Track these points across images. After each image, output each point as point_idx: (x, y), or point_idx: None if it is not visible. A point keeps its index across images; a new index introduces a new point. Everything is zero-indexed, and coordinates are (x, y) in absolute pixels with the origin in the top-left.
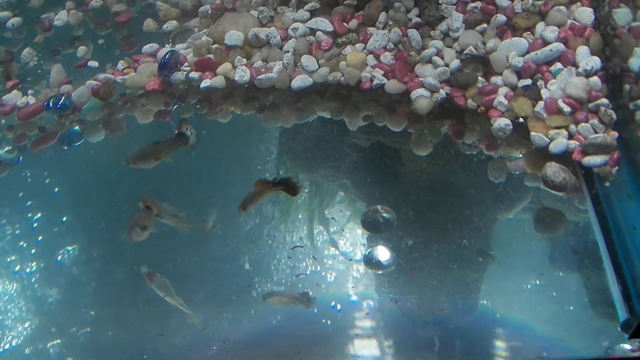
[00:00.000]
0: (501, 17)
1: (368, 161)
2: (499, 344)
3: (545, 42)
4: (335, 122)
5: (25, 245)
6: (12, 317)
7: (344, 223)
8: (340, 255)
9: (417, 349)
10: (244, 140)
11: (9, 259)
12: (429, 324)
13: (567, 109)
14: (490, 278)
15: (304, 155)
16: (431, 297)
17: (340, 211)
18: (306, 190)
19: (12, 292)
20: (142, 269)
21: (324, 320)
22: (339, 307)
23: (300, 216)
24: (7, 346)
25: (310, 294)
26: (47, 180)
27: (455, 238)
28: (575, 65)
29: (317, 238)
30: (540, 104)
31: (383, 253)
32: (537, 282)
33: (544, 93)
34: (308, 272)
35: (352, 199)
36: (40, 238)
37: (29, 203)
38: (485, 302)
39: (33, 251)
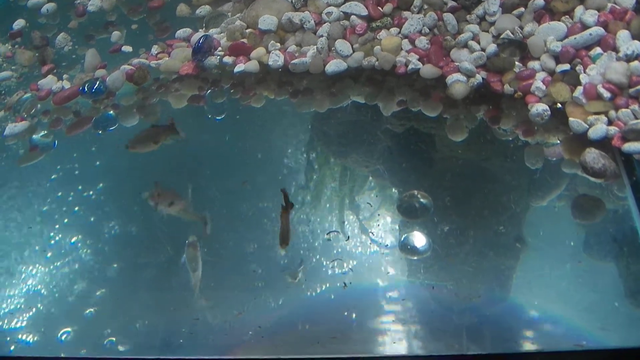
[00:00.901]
0: (539, 1)
1: (403, 146)
2: (537, 331)
3: (585, 26)
4: (370, 107)
5: (60, 228)
6: (48, 297)
7: (378, 209)
8: (375, 240)
9: (454, 336)
10: (276, 125)
11: (44, 242)
12: (466, 310)
13: (606, 94)
14: (527, 265)
15: (337, 140)
16: (468, 283)
17: (376, 196)
18: (338, 175)
19: (47, 273)
20: (190, 237)
21: (359, 306)
22: (374, 292)
23: (334, 202)
24: (42, 328)
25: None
26: (82, 164)
27: (492, 224)
28: (615, 49)
29: (352, 224)
30: (579, 89)
31: (419, 239)
32: (575, 269)
33: (583, 78)
34: (343, 258)
35: (384, 185)
36: (75, 221)
37: (65, 186)
38: (522, 289)
39: (68, 234)
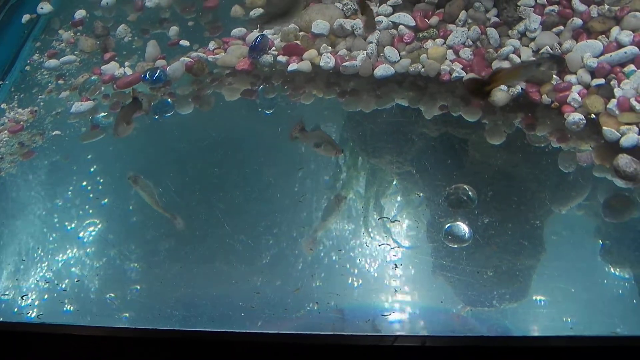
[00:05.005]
0: (577, 21)
1: (445, 146)
2: (573, 318)
3: (620, 45)
4: (413, 110)
5: (118, 206)
6: (111, 267)
7: (424, 201)
8: (420, 229)
9: (498, 319)
10: (325, 121)
11: (107, 216)
12: (506, 295)
13: (639, 106)
14: (562, 257)
15: (381, 137)
16: (507, 270)
17: (426, 190)
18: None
19: (105, 244)
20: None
21: (406, 288)
22: (421, 274)
23: (381, 194)
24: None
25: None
26: (140, 145)
27: (529, 219)
28: None
29: (400, 212)
30: (613, 101)
31: (463, 228)
32: (607, 262)
33: (617, 92)
34: (391, 243)
35: (430, 180)
36: (134, 200)
37: (123, 165)
38: (558, 278)
39: (130, 208)
